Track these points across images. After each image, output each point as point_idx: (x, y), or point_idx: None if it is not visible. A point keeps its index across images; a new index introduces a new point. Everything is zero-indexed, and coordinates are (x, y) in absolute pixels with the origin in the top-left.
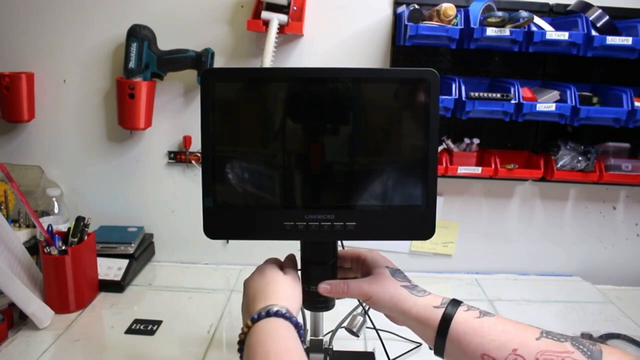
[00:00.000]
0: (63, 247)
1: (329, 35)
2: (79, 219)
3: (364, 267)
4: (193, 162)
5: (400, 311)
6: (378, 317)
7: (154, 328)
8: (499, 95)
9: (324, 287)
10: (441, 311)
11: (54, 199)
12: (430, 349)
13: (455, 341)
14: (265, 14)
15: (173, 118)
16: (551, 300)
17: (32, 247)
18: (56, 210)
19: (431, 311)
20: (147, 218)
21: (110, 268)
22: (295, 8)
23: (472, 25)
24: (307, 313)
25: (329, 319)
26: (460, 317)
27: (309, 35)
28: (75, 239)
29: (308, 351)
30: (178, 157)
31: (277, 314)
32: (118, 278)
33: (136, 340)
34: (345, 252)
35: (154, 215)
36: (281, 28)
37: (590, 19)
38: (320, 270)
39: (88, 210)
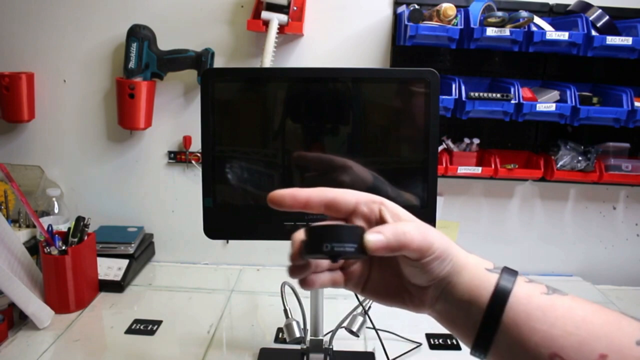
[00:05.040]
0: (63, 247)
1: (329, 35)
2: (79, 219)
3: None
4: (193, 162)
5: (452, 272)
6: (378, 317)
7: (154, 328)
8: (499, 95)
9: (377, 239)
10: (494, 277)
11: (54, 199)
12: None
13: (511, 327)
14: (265, 14)
15: (173, 118)
16: None
17: (32, 247)
18: (56, 210)
19: (483, 275)
20: (147, 218)
21: (110, 268)
22: (295, 8)
23: (472, 25)
24: (308, 313)
25: (329, 319)
26: (522, 290)
27: (309, 35)
28: (75, 239)
29: (308, 351)
30: (178, 157)
31: None
32: (118, 278)
33: (136, 340)
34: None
35: (154, 215)
36: (281, 28)
37: (590, 19)
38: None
39: (88, 210)
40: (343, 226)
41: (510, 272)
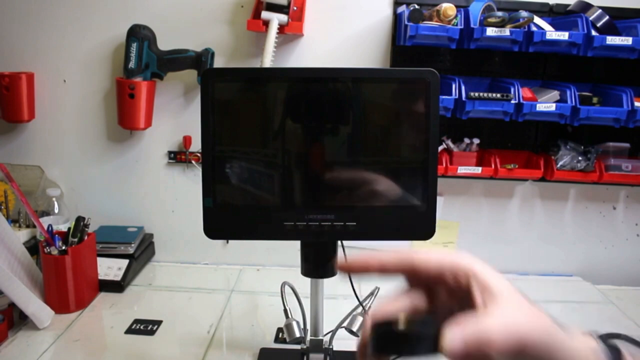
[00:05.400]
0: (63, 247)
1: (329, 35)
2: (79, 219)
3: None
4: (193, 162)
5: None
6: None
7: (154, 328)
8: (499, 95)
9: (457, 344)
10: None
11: (54, 199)
12: None
13: None
14: (265, 14)
15: (173, 118)
16: (551, 300)
17: (32, 247)
18: (56, 210)
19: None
20: (147, 218)
21: (110, 268)
22: (295, 8)
23: (472, 25)
24: (307, 313)
25: (329, 319)
26: None
27: (309, 35)
28: (75, 239)
29: (308, 351)
30: (178, 157)
31: None
32: (118, 278)
33: (136, 340)
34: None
35: (154, 215)
36: (281, 28)
37: (590, 19)
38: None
39: (88, 210)
40: (413, 332)
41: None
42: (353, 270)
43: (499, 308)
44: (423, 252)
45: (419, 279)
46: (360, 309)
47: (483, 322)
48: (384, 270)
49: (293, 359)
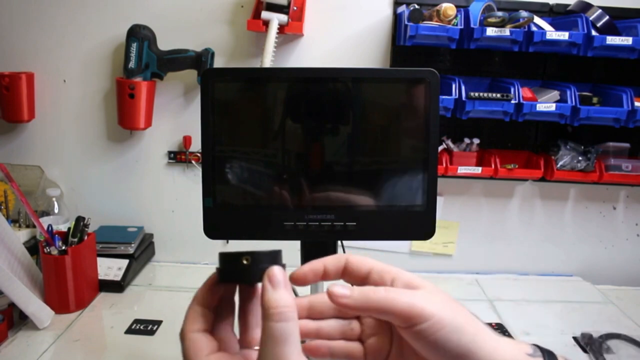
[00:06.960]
0: (63, 247)
1: (329, 35)
2: (79, 219)
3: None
4: (193, 162)
5: (471, 350)
6: None
7: (154, 328)
8: (499, 95)
9: (341, 293)
10: None
11: (54, 199)
12: None
13: None
14: (265, 14)
15: (173, 118)
16: (551, 300)
17: (32, 247)
18: (56, 210)
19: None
20: (147, 218)
21: (110, 268)
22: (295, 8)
23: (472, 25)
24: None
25: None
26: None
27: (309, 35)
28: (75, 239)
29: None
30: (178, 157)
31: None
32: (118, 278)
33: (136, 340)
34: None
35: (154, 215)
36: (281, 28)
37: (590, 19)
38: None
39: (88, 210)
40: (252, 267)
41: (550, 355)
42: (308, 283)
43: (415, 290)
44: (356, 257)
45: (351, 277)
46: None
47: (379, 287)
48: (327, 273)
49: None
